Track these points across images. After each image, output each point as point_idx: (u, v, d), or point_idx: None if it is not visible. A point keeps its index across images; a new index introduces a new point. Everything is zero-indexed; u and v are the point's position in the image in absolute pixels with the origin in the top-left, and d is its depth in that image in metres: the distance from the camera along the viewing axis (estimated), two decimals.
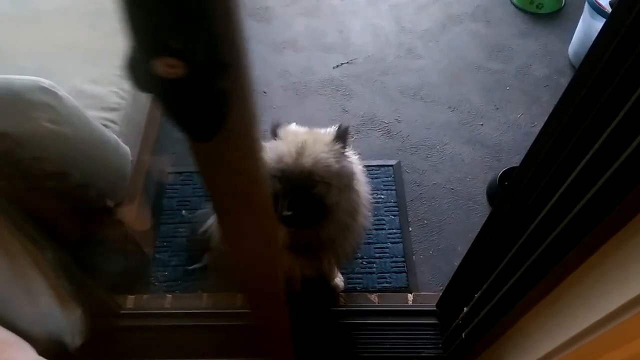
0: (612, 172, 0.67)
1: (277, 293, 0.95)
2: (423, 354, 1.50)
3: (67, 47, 1.68)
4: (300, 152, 1.23)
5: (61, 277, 1.24)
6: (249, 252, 0.76)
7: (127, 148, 1.44)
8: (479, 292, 1.14)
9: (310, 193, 1.25)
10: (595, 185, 0.71)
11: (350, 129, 1.33)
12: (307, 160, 1.23)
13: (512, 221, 0.99)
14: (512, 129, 2.20)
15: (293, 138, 1.27)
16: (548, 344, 0.89)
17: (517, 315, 1.03)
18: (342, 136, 1.29)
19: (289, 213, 1.23)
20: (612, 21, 0.65)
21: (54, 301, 1.23)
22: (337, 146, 1.28)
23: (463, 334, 1.27)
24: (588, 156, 0.72)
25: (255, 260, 0.80)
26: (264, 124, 2.23)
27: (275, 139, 1.30)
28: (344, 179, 1.30)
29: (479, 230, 1.19)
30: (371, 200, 1.47)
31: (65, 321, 1.32)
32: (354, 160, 1.37)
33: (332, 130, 1.30)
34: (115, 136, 1.39)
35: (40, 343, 1.12)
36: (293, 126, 1.35)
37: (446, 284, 1.50)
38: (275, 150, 1.27)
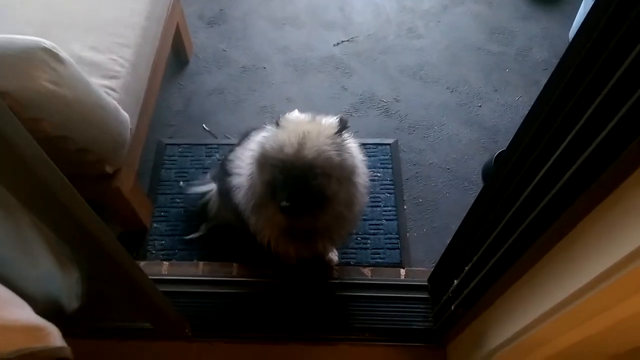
0: (594, 147, 0.69)
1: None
2: (413, 326, 1.53)
3: (67, 15, 1.66)
4: (302, 143, 1.24)
5: (60, 239, 1.25)
6: None
7: (126, 115, 1.45)
8: (469, 265, 1.17)
9: (309, 185, 1.27)
10: (579, 158, 0.73)
11: (345, 116, 1.34)
12: (308, 152, 1.23)
13: (502, 194, 1.01)
14: (509, 111, 2.21)
15: (294, 127, 1.27)
16: (532, 313, 0.92)
17: (505, 285, 1.05)
18: (343, 128, 1.30)
19: (287, 204, 1.25)
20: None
21: (53, 263, 1.25)
22: (339, 138, 1.29)
23: (452, 306, 1.30)
24: (574, 131, 0.74)
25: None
26: (264, 100, 2.25)
27: (276, 127, 1.31)
28: (344, 171, 1.31)
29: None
30: (368, 186, 1.48)
31: (63, 283, 1.34)
32: (355, 152, 1.38)
33: (333, 120, 1.31)
34: (115, 102, 1.39)
35: (38, 304, 1.13)
36: (295, 114, 1.34)
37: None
38: (277, 139, 1.27)
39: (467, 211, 1.24)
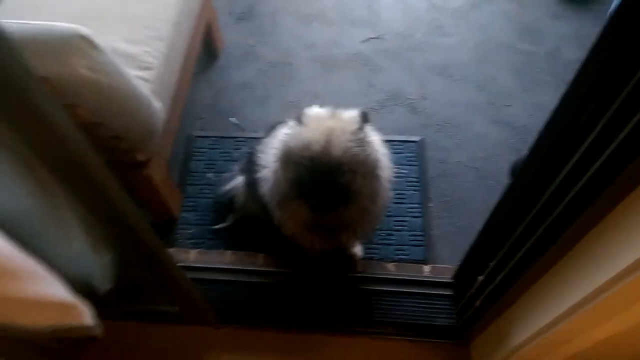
0: (618, 143, 0.69)
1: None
2: (436, 322, 1.53)
3: (103, 8, 1.71)
4: (328, 141, 1.24)
5: (94, 221, 1.30)
6: None
7: (159, 104, 1.48)
8: (494, 261, 1.16)
9: (337, 182, 1.28)
10: (603, 155, 0.73)
11: (370, 112, 1.34)
12: (335, 150, 1.24)
13: (528, 190, 1.00)
14: (539, 111, 2.18)
15: (318, 125, 1.28)
16: (556, 309, 0.92)
17: (529, 282, 1.05)
18: (364, 122, 1.30)
19: (317, 202, 1.27)
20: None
21: (86, 244, 1.29)
22: (361, 133, 1.29)
23: (476, 302, 1.29)
24: (598, 127, 0.74)
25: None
26: (291, 95, 2.27)
27: (299, 124, 1.32)
28: (368, 166, 1.32)
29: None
30: (392, 180, 1.49)
31: (95, 265, 1.38)
32: (377, 145, 1.38)
33: (354, 115, 1.31)
34: (148, 92, 1.43)
35: (70, 283, 1.18)
36: (316, 109, 1.35)
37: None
38: (301, 137, 1.28)
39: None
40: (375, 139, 1.38)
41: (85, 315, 1.25)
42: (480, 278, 1.25)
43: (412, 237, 1.87)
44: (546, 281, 1.01)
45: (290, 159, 1.30)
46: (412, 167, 2.05)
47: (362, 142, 1.29)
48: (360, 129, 1.29)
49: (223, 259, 1.69)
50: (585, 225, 0.83)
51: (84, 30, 1.13)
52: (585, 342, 0.92)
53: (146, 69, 1.58)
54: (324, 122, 1.29)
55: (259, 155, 1.57)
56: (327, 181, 1.26)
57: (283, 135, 1.34)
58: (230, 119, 2.21)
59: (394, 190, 1.59)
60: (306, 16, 2.59)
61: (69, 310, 1.19)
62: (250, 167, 1.69)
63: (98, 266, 1.41)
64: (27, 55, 0.69)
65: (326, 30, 2.53)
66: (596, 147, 0.76)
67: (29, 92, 0.66)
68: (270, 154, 1.45)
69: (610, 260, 0.76)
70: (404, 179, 2.01)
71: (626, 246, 0.73)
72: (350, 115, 1.32)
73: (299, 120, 1.29)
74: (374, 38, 2.48)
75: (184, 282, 1.31)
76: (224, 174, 1.98)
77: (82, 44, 1.11)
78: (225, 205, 1.93)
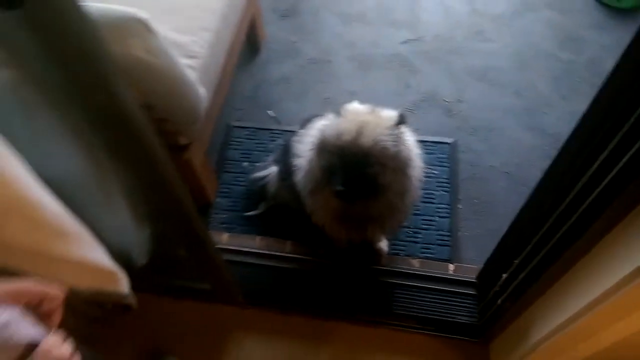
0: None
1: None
2: (458, 320, 1.55)
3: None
4: (359, 131, 1.29)
5: (137, 196, 1.38)
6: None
7: (204, 90, 1.56)
8: (519, 259, 1.18)
9: (364, 172, 1.32)
10: (622, 160, 0.78)
11: (405, 112, 1.37)
12: (365, 141, 1.29)
13: (555, 191, 1.02)
14: (576, 120, 2.15)
15: (354, 117, 1.33)
16: (576, 305, 0.94)
17: (552, 279, 1.07)
18: (401, 122, 1.34)
19: (342, 188, 1.31)
20: None
21: (129, 217, 1.37)
22: (397, 130, 1.33)
23: (499, 300, 1.31)
24: (622, 131, 0.77)
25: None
26: (328, 92, 2.32)
27: (337, 116, 1.37)
28: (399, 163, 1.35)
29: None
30: (422, 180, 1.52)
31: (135, 238, 1.47)
32: (412, 145, 1.42)
33: (393, 113, 1.36)
34: (194, 78, 1.51)
35: (111, 252, 1.26)
36: (355, 105, 1.40)
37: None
38: (336, 127, 1.33)
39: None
40: (410, 139, 1.42)
41: (123, 283, 1.33)
42: (505, 276, 1.27)
43: (439, 237, 1.89)
44: (566, 280, 1.03)
45: (325, 147, 1.35)
46: (443, 168, 2.07)
47: (395, 139, 1.33)
48: (396, 126, 1.33)
49: (253, 243, 1.75)
50: (605, 226, 0.86)
51: (142, 14, 1.21)
52: (603, 341, 0.94)
53: (193, 57, 1.66)
54: (361, 116, 1.34)
55: (294, 145, 1.63)
56: (354, 170, 1.31)
57: (321, 125, 1.40)
58: (267, 111, 2.28)
59: (423, 189, 1.62)
60: (347, 15, 2.64)
61: (109, 276, 1.27)
62: (285, 157, 1.76)
63: (138, 240, 1.49)
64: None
65: (366, 30, 2.57)
66: (615, 156, 0.80)
67: (104, 70, 0.73)
68: (306, 143, 1.51)
69: (627, 259, 0.79)
70: (435, 179, 2.03)
71: None
72: (388, 113, 1.36)
73: (338, 112, 1.35)
74: (413, 40, 2.51)
75: (219, 260, 1.38)
76: (258, 164, 2.05)
77: (139, 27, 1.19)
78: (257, 194, 2.00)
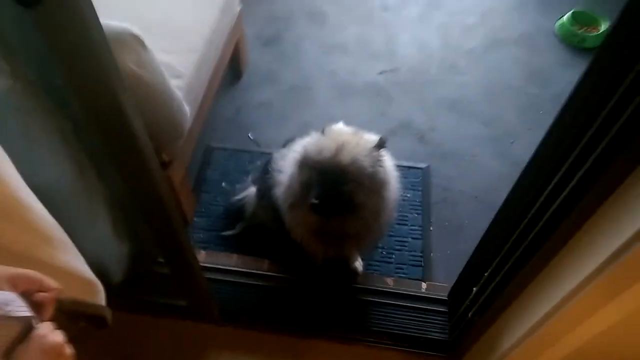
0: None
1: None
2: (430, 336, 1.60)
3: (147, 22, 1.87)
4: (339, 149, 1.36)
5: (118, 210, 1.40)
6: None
7: (188, 109, 1.61)
8: (488, 271, 1.25)
9: (340, 189, 1.38)
10: (569, 185, 0.90)
11: (385, 136, 1.45)
12: (344, 159, 1.36)
13: (517, 209, 1.11)
14: None
15: (336, 136, 1.41)
16: (542, 309, 1.00)
17: (519, 287, 1.14)
18: (381, 145, 1.42)
19: (317, 201, 1.37)
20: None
21: (109, 229, 1.39)
22: (375, 152, 1.41)
23: (469, 314, 1.37)
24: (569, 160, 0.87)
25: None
26: (307, 117, 2.40)
27: (321, 134, 1.44)
28: (375, 183, 1.42)
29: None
30: (398, 203, 1.59)
31: (114, 252, 1.48)
32: (389, 169, 1.50)
33: (374, 137, 1.44)
34: (180, 95, 1.56)
35: (88, 263, 1.26)
36: (340, 125, 1.48)
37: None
38: (318, 144, 1.41)
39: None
40: (388, 162, 1.50)
41: (101, 295, 1.34)
42: (475, 289, 1.33)
43: (412, 258, 1.95)
44: (531, 288, 1.10)
45: (306, 163, 1.41)
46: (416, 192, 2.15)
47: (373, 160, 1.40)
48: (375, 148, 1.40)
49: (230, 261, 1.78)
50: (560, 239, 0.95)
51: (135, 29, 1.27)
52: (571, 343, 1.00)
53: (178, 77, 1.72)
54: (343, 135, 1.41)
55: (276, 162, 1.68)
56: (330, 185, 1.36)
57: (305, 142, 1.46)
58: (248, 134, 2.34)
59: (397, 212, 1.69)
60: (328, 46, 2.75)
61: (89, 286, 1.27)
62: (264, 176, 1.81)
63: (116, 256, 1.50)
64: None
65: (346, 60, 2.69)
66: (566, 178, 0.93)
67: (110, 74, 0.78)
68: (288, 160, 1.56)
69: (579, 268, 0.87)
70: (408, 202, 2.11)
71: (593, 254, 0.84)
72: (370, 136, 1.43)
73: (322, 131, 1.42)
74: (389, 71, 2.63)
75: (200, 275, 1.40)
76: (237, 185, 2.09)
77: (133, 41, 1.25)
78: (235, 214, 2.03)
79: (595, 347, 0.99)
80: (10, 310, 0.60)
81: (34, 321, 0.63)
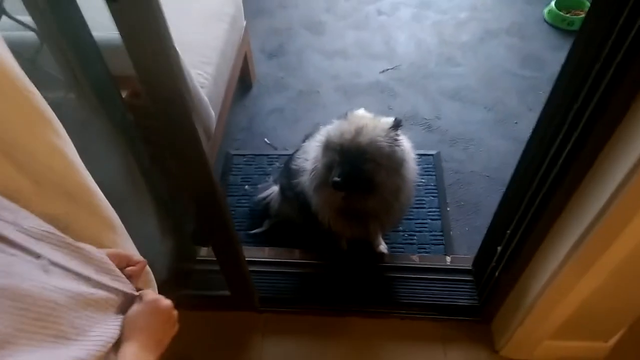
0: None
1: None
2: (459, 303, 1.68)
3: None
4: (359, 131, 1.48)
5: (163, 209, 1.51)
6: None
7: (213, 112, 1.74)
8: (510, 228, 1.35)
9: (360, 167, 1.50)
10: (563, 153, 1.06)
11: (400, 117, 1.57)
12: (363, 139, 1.48)
13: (532, 167, 1.24)
14: None
15: (356, 120, 1.53)
16: (558, 257, 1.11)
17: (537, 243, 1.25)
18: (397, 126, 1.54)
19: (338, 179, 1.48)
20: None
21: (155, 227, 1.50)
22: (392, 133, 1.53)
23: (496, 273, 1.46)
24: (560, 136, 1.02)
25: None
26: (318, 118, 2.53)
27: (343, 119, 1.57)
28: (393, 162, 1.54)
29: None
30: (417, 182, 1.70)
31: (160, 250, 1.58)
32: (407, 149, 1.61)
33: (390, 119, 1.56)
34: (207, 98, 1.69)
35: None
36: (361, 111, 1.61)
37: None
38: (340, 127, 1.53)
39: None
40: (405, 143, 1.61)
41: (154, 286, 1.44)
42: (499, 248, 1.42)
43: (433, 237, 2.05)
44: (549, 239, 1.21)
45: (329, 145, 1.53)
46: (430, 176, 2.26)
47: (391, 140, 1.52)
48: (392, 129, 1.52)
49: (263, 254, 1.87)
50: (567, 191, 1.12)
51: None
52: (589, 286, 1.11)
53: (200, 87, 1.85)
54: (362, 119, 1.53)
55: (298, 157, 1.80)
56: (351, 164, 1.48)
57: (328, 128, 1.58)
58: (264, 139, 2.46)
59: (415, 197, 1.80)
60: (330, 52, 2.89)
61: (147, 276, 1.38)
62: (286, 172, 1.92)
63: (161, 253, 1.61)
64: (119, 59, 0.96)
65: (348, 63, 2.82)
66: (562, 146, 1.08)
67: (172, 67, 0.90)
68: (311, 149, 1.68)
69: (583, 216, 1.00)
70: (423, 187, 2.21)
71: (594, 203, 1.00)
72: (386, 119, 1.55)
73: (345, 116, 1.54)
74: (391, 69, 2.76)
75: (244, 264, 1.51)
76: (259, 185, 2.20)
77: None
78: (261, 213, 2.14)
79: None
80: (118, 277, 0.71)
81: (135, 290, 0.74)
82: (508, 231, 1.36)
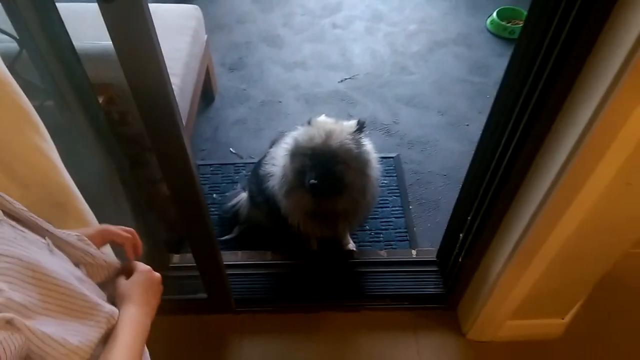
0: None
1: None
2: (426, 292, 1.78)
3: None
4: (328, 135, 1.58)
5: (138, 214, 1.54)
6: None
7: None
8: (470, 214, 1.47)
9: (333, 169, 1.59)
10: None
11: (363, 119, 1.68)
12: (333, 143, 1.57)
13: (486, 154, 1.36)
14: None
15: (322, 125, 1.62)
16: (523, 221, 1.23)
17: (495, 226, 1.37)
18: (361, 128, 1.64)
19: (315, 181, 1.56)
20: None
21: (135, 224, 1.52)
22: (357, 135, 1.63)
23: (460, 259, 1.57)
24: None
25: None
26: (281, 127, 2.60)
27: (308, 126, 1.65)
28: (360, 163, 1.64)
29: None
30: (380, 180, 1.81)
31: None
32: (369, 149, 1.72)
33: (353, 123, 1.66)
34: None
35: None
36: (323, 117, 1.70)
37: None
38: (307, 133, 1.62)
39: None
40: (368, 145, 1.71)
41: None
42: (461, 235, 1.54)
43: (397, 234, 2.15)
44: (505, 222, 1.34)
45: (298, 151, 1.60)
46: (391, 178, 2.37)
47: (357, 142, 1.62)
48: (357, 132, 1.62)
49: (236, 257, 1.91)
50: (521, 176, 1.26)
51: None
52: (540, 265, 1.24)
53: None
54: (328, 124, 1.62)
55: (265, 162, 1.86)
56: (324, 167, 1.56)
57: (294, 133, 1.66)
58: (229, 149, 2.51)
59: (378, 197, 1.90)
60: (289, 64, 2.98)
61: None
62: (255, 178, 1.98)
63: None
64: (100, 67, 1.00)
65: (307, 74, 2.92)
66: (508, 142, 1.23)
67: (160, 67, 0.95)
68: (278, 155, 1.75)
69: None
70: (386, 188, 2.32)
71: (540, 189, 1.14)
72: (350, 123, 1.65)
73: (309, 122, 1.62)
74: (348, 78, 2.89)
75: (222, 266, 1.55)
76: (228, 193, 2.25)
77: None
78: (230, 220, 2.18)
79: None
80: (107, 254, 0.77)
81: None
82: (469, 217, 1.47)
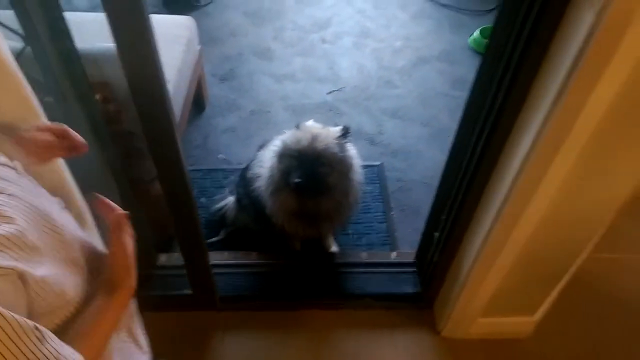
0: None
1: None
2: (404, 291, 1.86)
3: None
4: (314, 138, 1.67)
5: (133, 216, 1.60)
6: None
7: None
8: (445, 214, 1.55)
9: (317, 170, 1.68)
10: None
11: (348, 125, 1.78)
12: (319, 145, 1.67)
13: (458, 159, 1.46)
14: None
15: (309, 129, 1.72)
16: (485, 227, 1.32)
17: (467, 223, 1.46)
18: (345, 133, 1.74)
19: (299, 180, 1.65)
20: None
21: None
22: (342, 140, 1.72)
23: (435, 256, 1.65)
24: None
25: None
26: (269, 136, 2.69)
27: (296, 129, 1.75)
28: (344, 166, 1.74)
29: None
30: (362, 188, 1.90)
31: None
32: (353, 155, 1.81)
33: (338, 128, 1.76)
34: None
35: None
36: (311, 122, 1.80)
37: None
38: (295, 136, 1.71)
39: None
40: (352, 150, 1.81)
41: None
42: (437, 234, 1.62)
43: (379, 238, 2.23)
44: (474, 222, 1.43)
45: (285, 152, 1.69)
46: (375, 185, 2.46)
47: (341, 146, 1.71)
48: (341, 137, 1.71)
49: (222, 257, 1.98)
50: (486, 177, 1.37)
51: None
52: (505, 262, 1.32)
53: None
54: (314, 129, 1.71)
55: (253, 165, 1.95)
56: (309, 167, 1.65)
57: (282, 137, 1.75)
58: (218, 155, 2.59)
59: (362, 203, 1.99)
60: (279, 76, 3.09)
61: None
62: (242, 181, 2.06)
63: None
64: (97, 66, 1.09)
65: (296, 86, 3.03)
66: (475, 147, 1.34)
67: (157, 70, 1.04)
68: (266, 157, 1.83)
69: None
70: (369, 194, 2.41)
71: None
72: (335, 128, 1.75)
73: (297, 126, 1.71)
74: (336, 90, 3.00)
75: (208, 263, 1.62)
76: (215, 197, 2.32)
77: None
78: (217, 223, 2.25)
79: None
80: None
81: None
82: (443, 217, 1.56)
